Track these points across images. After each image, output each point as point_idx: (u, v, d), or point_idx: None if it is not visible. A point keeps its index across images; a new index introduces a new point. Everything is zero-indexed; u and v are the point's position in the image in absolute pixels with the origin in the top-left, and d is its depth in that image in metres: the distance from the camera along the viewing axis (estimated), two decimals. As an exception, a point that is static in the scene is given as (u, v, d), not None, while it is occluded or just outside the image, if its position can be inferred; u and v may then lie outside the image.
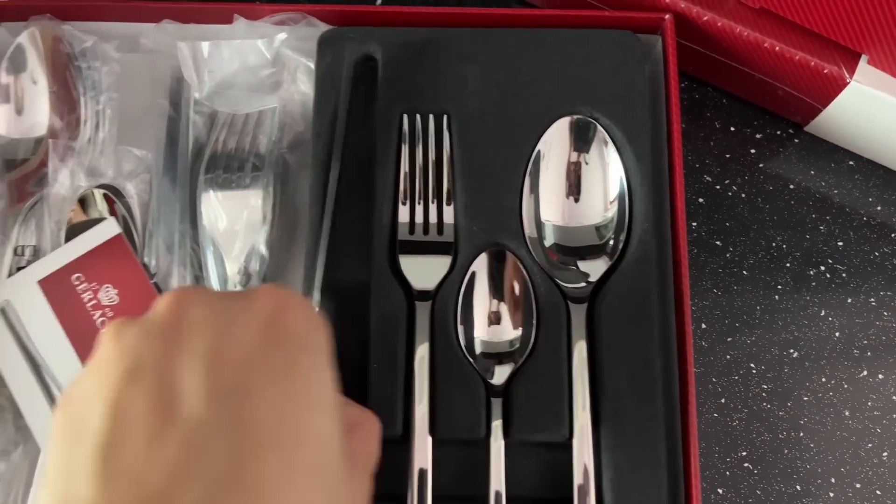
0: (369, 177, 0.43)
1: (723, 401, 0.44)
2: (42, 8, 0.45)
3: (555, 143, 0.43)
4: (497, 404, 0.40)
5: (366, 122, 0.44)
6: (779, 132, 0.48)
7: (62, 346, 0.41)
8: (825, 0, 0.41)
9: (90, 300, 0.42)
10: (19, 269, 0.43)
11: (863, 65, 0.43)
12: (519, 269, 0.41)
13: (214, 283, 0.42)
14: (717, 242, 0.46)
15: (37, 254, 0.43)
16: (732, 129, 0.48)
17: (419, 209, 0.43)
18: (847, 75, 0.43)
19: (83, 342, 0.41)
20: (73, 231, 0.43)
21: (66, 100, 0.44)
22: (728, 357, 0.45)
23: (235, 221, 0.43)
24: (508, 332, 0.41)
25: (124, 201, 0.44)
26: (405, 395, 0.40)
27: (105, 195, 0.43)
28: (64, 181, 0.43)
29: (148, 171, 0.44)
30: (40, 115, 0.44)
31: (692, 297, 0.45)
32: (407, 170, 0.43)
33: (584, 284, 0.41)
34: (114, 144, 0.44)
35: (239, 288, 0.42)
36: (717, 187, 0.47)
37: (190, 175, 0.44)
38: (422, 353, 0.40)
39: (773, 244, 0.46)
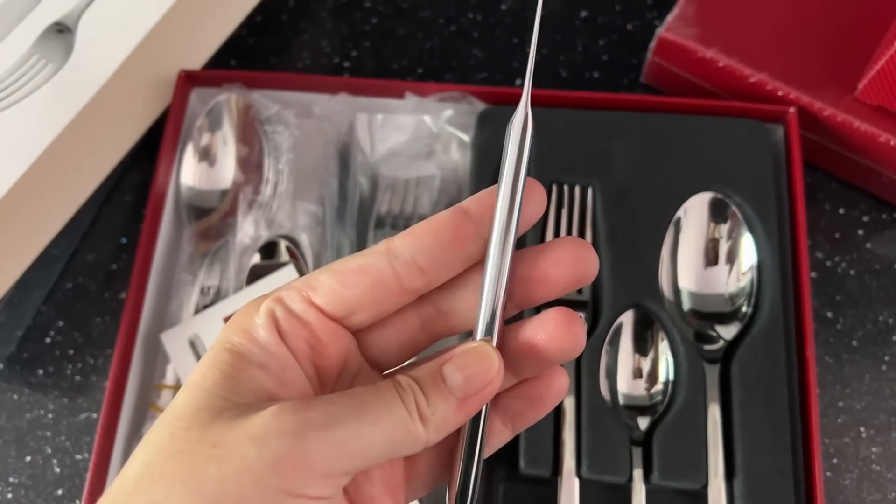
0: (521, 239, 0.48)
1: (835, 461, 0.48)
2: (234, 77, 0.51)
3: (693, 215, 0.48)
4: (638, 452, 0.44)
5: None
6: (884, 216, 0.53)
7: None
8: (938, 102, 0.46)
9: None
10: (205, 306, 0.48)
11: (971, 160, 0.48)
12: (659, 328, 0.46)
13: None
14: (829, 314, 0.51)
15: (219, 293, 0.48)
16: (841, 210, 0.53)
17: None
18: (956, 169, 0.48)
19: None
20: (255, 274, 0.48)
21: (253, 159, 0.50)
22: (839, 420, 0.48)
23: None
24: (650, 385, 0.45)
25: (300, 251, 0.49)
26: (555, 440, 0.44)
27: (287, 247, 0.48)
28: (248, 230, 0.49)
29: (319, 224, 0.49)
30: (228, 170, 0.50)
31: (808, 363, 0.49)
32: (553, 233, 0.48)
33: (718, 347, 0.45)
34: (291, 199, 0.50)
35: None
36: (828, 263, 0.52)
37: (356, 229, 0.49)
38: (569, 403, 0.45)
39: (881, 318, 0.51)
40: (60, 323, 0.53)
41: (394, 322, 0.28)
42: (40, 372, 0.52)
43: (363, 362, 0.28)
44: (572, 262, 0.27)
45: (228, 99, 0.50)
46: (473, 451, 0.27)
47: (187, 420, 0.23)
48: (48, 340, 0.52)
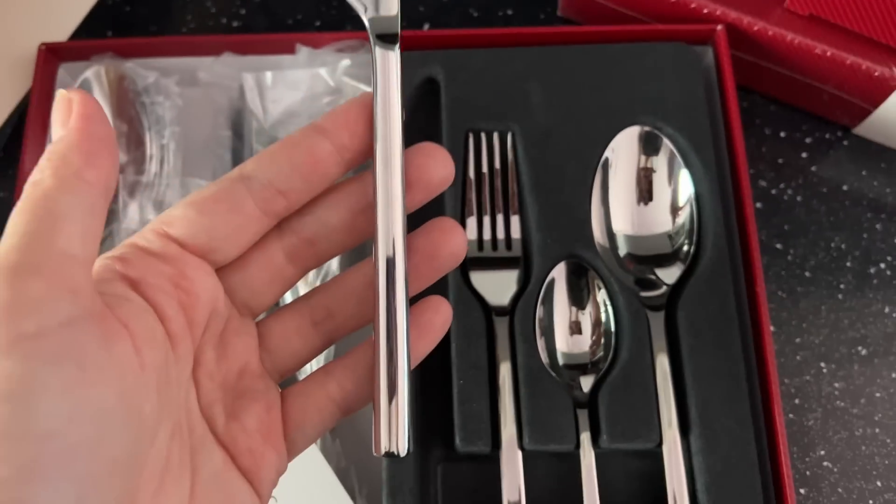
0: (437, 197, 0.44)
1: (797, 401, 0.44)
2: (103, 47, 0.46)
3: (622, 153, 0.44)
4: (584, 415, 0.40)
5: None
6: (828, 135, 0.49)
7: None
8: (874, 4, 0.42)
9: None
10: (93, 304, 0.42)
11: (914, 65, 0.44)
12: (595, 279, 0.42)
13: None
14: (778, 246, 0.47)
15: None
16: (783, 134, 0.49)
17: (487, 226, 0.43)
18: (898, 76, 0.44)
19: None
20: (146, 264, 0.43)
21: (132, 136, 0.45)
22: (798, 358, 0.45)
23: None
24: (590, 342, 0.41)
25: (195, 232, 0.44)
26: (492, 411, 0.40)
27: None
28: (133, 215, 0.44)
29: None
30: (106, 150, 0.44)
31: (760, 300, 0.46)
32: (473, 187, 0.44)
33: (660, 292, 0.42)
34: (179, 177, 0.45)
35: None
36: (773, 192, 0.48)
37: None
38: (505, 369, 0.41)
39: (832, 245, 0.47)
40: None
41: (257, 257, 0.27)
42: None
43: (233, 310, 0.27)
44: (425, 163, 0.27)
45: (98, 72, 0.45)
46: (395, 383, 0.26)
47: None
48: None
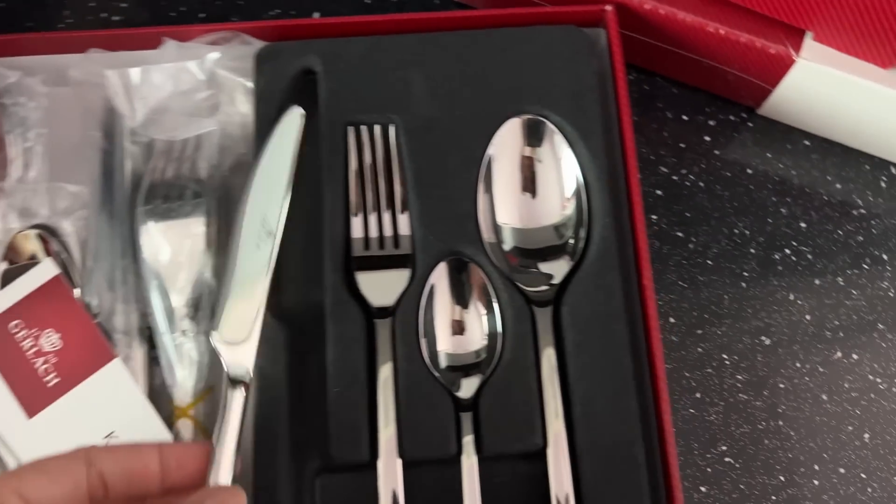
0: (319, 194, 0.42)
1: (698, 395, 0.43)
2: (-41, 45, 0.43)
3: (506, 144, 0.42)
4: (467, 419, 0.38)
5: (311, 138, 0.43)
6: (732, 117, 0.48)
7: (3, 398, 0.39)
8: (765, -21, 0.40)
9: (31, 347, 0.39)
10: (-47, 320, 0.40)
11: (808, 41, 0.42)
12: (479, 276, 0.40)
13: (160, 318, 0.40)
14: (679, 234, 0.45)
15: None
16: (685, 117, 0.48)
17: (373, 223, 0.41)
18: (793, 53, 0.42)
19: (26, 393, 0.39)
20: (9, 276, 0.41)
21: (-9, 139, 0.42)
22: (699, 350, 0.44)
23: (178, 252, 0.41)
24: (473, 342, 0.39)
25: (61, 240, 0.41)
26: (370, 417, 0.38)
27: (39, 235, 0.41)
28: (-6, 223, 0.41)
29: (85, 207, 0.42)
30: (-35, 157, 0.42)
31: (658, 292, 0.44)
32: (356, 183, 0.42)
33: (547, 287, 0.40)
34: (46, 182, 0.42)
35: (187, 321, 0.40)
36: (675, 178, 0.46)
37: (129, 207, 0.42)
38: (385, 373, 0.39)
39: (736, 231, 0.45)
40: None
41: None
42: None
43: None
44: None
45: (-48, 72, 0.42)
46: None
47: None
48: None
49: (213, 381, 0.41)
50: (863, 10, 0.39)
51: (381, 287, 0.40)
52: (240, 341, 0.36)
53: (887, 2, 0.37)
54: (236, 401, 0.35)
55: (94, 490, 0.30)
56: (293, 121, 0.40)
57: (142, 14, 0.50)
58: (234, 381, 0.35)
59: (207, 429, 0.40)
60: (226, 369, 0.35)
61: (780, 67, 0.43)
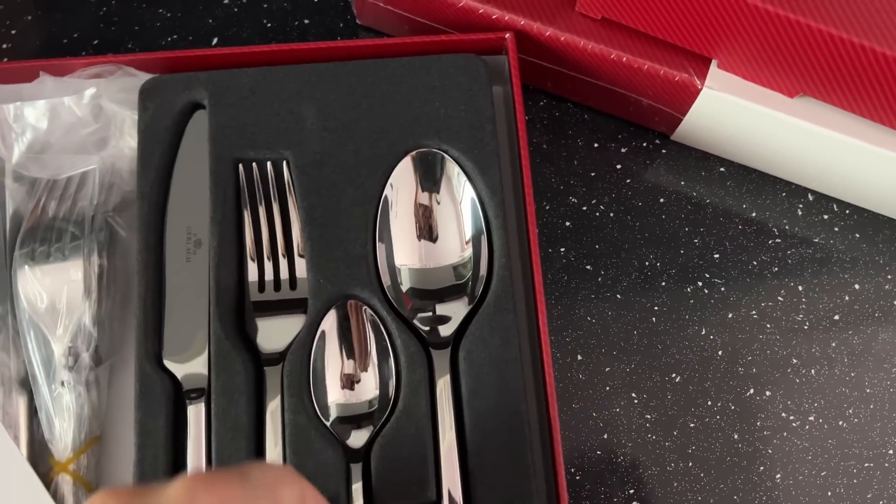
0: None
1: (605, 436, 0.41)
2: None
3: (403, 182, 0.40)
4: (357, 470, 0.37)
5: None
6: (645, 144, 0.46)
7: None
8: (667, 6, 0.39)
9: None
10: None
11: (714, 69, 0.41)
12: (373, 321, 0.38)
13: (37, 368, 0.38)
14: (588, 267, 0.44)
15: None
16: (596, 144, 0.46)
17: (267, 265, 0.39)
18: (699, 81, 0.41)
19: None
20: None
21: None
22: (608, 388, 0.42)
23: (56, 298, 0.39)
24: (366, 391, 0.38)
25: (-69, 288, 0.39)
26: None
27: None
28: None
29: (-39, 250, 0.40)
30: None
31: (565, 328, 0.43)
32: (249, 223, 0.40)
33: (445, 329, 0.38)
34: (-81, 225, 0.40)
35: (66, 372, 0.38)
36: (584, 208, 0.45)
37: (5, 251, 0.40)
38: (273, 422, 0.37)
39: (647, 263, 0.44)
40: None
41: None
42: None
43: None
44: None
45: None
46: None
47: None
48: None
49: (100, 430, 0.39)
50: (766, 40, 0.38)
51: (277, 332, 0.39)
52: (190, 357, 0.38)
53: (790, 32, 0.36)
54: (197, 415, 0.37)
55: None
56: (200, 125, 0.41)
57: (32, 41, 0.48)
58: (191, 396, 0.37)
59: (90, 483, 0.38)
60: (184, 388, 0.37)
61: (687, 96, 0.42)
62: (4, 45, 0.48)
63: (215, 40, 0.48)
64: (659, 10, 0.39)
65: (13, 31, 0.48)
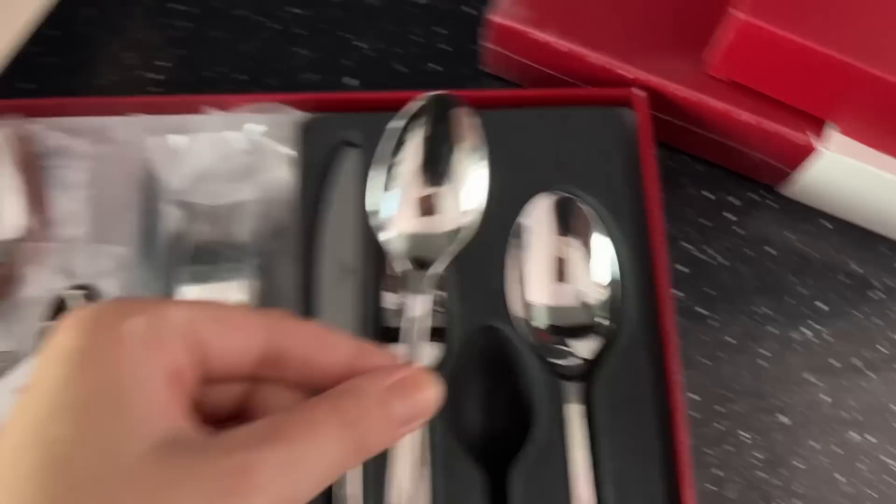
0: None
1: (718, 472, 0.44)
2: (6, 107, 0.44)
3: (539, 221, 0.43)
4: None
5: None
6: (754, 195, 0.49)
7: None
8: (790, 72, 0.42)
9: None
10: (-6, 377, 0.41)
11: (829, 130, 0.44)
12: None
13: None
14: (701, 310, 0.47)
15: (15, 359, 0.42)
16: (708, 194, 0.49)
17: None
18: (814, 141, 0.44)
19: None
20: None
21: (37, 200, 0.43)
22: (720, 427, 0.45)
23: (217, 317, 0.42)
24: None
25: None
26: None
27: (85, 296, 0.42)
28: (38, 284, 0.42)
29: (126, 267, 0.43)
30: (13, 217, 0.43)
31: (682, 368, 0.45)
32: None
33: (577, 364, 0.41)
34: (88, 243, 0.43)
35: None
36: (698, 254, 0.48)
37: (167, 269, 0.43)
38: (410, 442, 0.40)
39: (757, 309, 0.47)
40: None
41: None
42: None
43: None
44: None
45: (5, 135, 0.43)
46: None
47: None
48: None
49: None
50: (884, 107, 0.40)
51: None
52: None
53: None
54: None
55: (264, 368, 0.25)
56: (353, 162, 0.44)
57: (182, 75, 0.51)
58: None
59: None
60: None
61: (801, 154, 0.44)
62: (155, 77, 0.51)
63: (347, 79, 0.51)
64: (783, 75, 0.42)
65: (165, 64, 0.51)
